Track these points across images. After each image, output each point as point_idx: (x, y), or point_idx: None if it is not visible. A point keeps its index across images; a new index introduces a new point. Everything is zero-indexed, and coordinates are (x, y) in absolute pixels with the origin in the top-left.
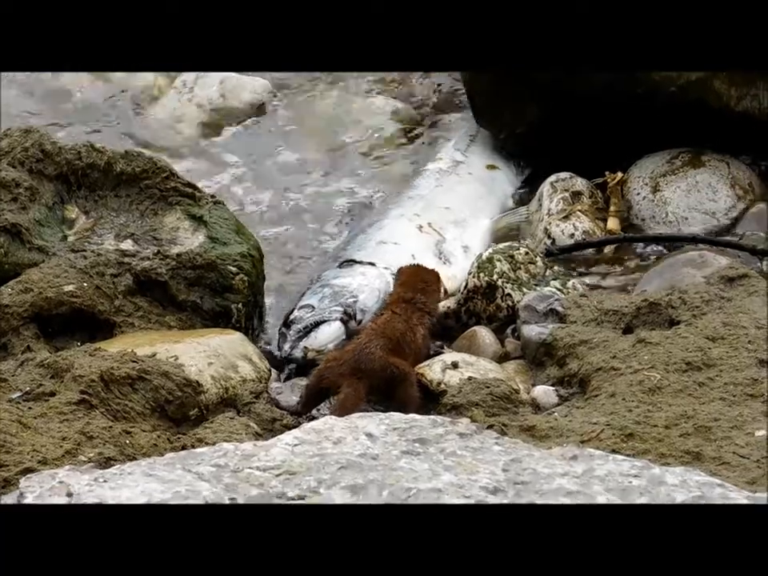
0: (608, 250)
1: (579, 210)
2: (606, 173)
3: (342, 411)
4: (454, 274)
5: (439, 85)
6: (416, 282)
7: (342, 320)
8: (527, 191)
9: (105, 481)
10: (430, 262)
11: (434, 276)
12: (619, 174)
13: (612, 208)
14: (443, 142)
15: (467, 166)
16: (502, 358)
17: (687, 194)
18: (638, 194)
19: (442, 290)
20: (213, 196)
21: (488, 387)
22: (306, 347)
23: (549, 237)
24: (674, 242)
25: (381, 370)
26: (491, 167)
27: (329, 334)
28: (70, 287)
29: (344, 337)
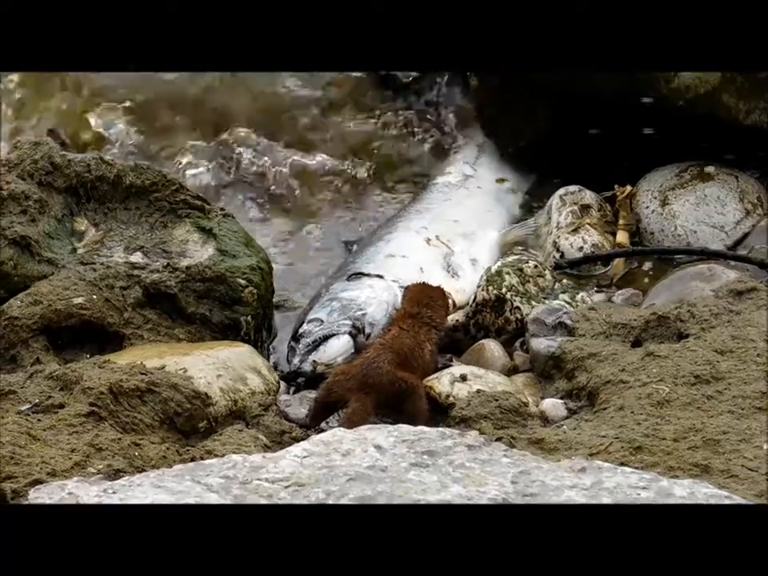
0: (616, 263)
1: (588, 224)
2: (616, 186)
3: (349, 425)
4: (463, 287)
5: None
6: (422, 298)
7: (350, 333)
8: (533, 203)
9: (114, 492)
10: (438, 275)
11: (440, 292)
12: (628, 188)
13: (621, 221)
14: (452, 155)
15: (476, 180)
16: (510, 371)
17: (696, 208)
18: (647, 207)
19: (449, 306)
20: (222, 208)
21: (497, 400)
22: (315, 361)
23: (557, 250)
24: (683, 256)
25: (389, 384)
26: (500, 181)
27: (337, 347)
28: (80, 299)
29: (352, 350)
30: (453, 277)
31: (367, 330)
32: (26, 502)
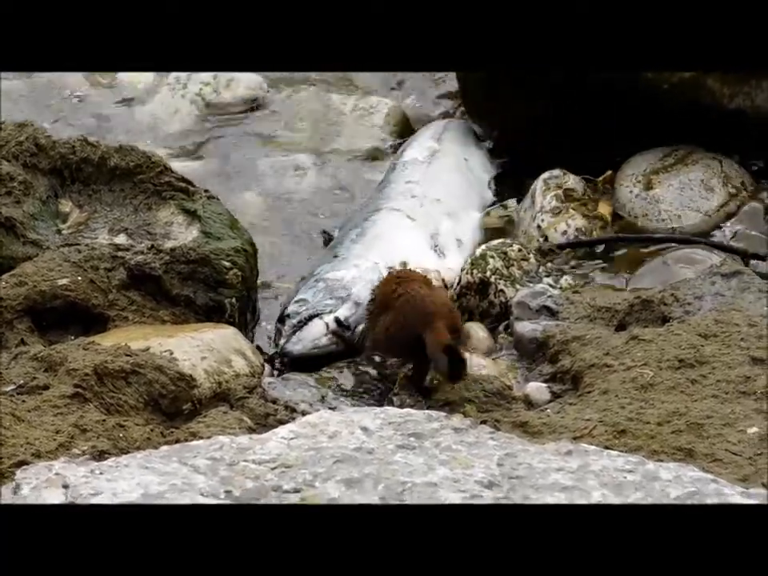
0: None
1: (572, 208)
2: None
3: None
4: (449, 266)
5: None
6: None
7: (335, 333)
8: (517, 186)
9: (101, 473)
10: (426, 254)
11: (419, 275)
12: (609, 173)
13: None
14: (417, 130)
15: (444, 155)
16: (494, 355)
17: (680, 192)
18: (631, 191)
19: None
20: (206, 191)
21: (481, 383)
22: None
23: (543, 235)
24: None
25: (445, 306)
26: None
27: (320, 328)
28: (64, 281)
29: (332, 335)
30: (439, 256)
31: (352, 311)
32: (13, 483)
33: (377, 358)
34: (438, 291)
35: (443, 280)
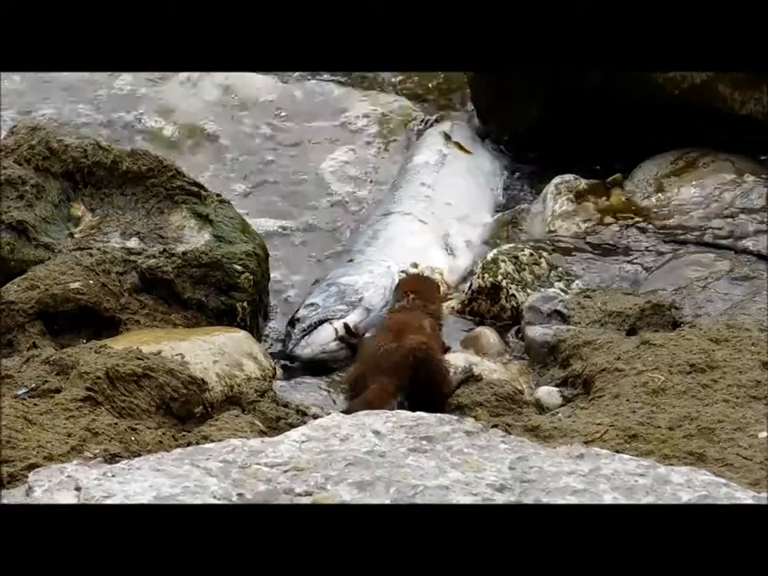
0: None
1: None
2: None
3: (367, 407)
4: (459, 267)
5: None
6: (412, 289)
7: (343, 339)
8: (529, 189)
9: (113, 475)
10: (436, 256)
11: (431, 283)
12: (618, 175)
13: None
14: (424, 133)
15: (455, 159)
16: (505, 359)
17: (692, 195)
18: (642, 194)
19: (442, 296)
20: (219, 194)
21: (492, 387)
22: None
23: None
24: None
25: (403, 359)
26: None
27: (329, 333)
28: (76, 284)
29: (340, 340)
30: (450, 256)
31: (362, 316)
32: (26, 486)
33: None
34: (400, 347)
35: (446, 283)
